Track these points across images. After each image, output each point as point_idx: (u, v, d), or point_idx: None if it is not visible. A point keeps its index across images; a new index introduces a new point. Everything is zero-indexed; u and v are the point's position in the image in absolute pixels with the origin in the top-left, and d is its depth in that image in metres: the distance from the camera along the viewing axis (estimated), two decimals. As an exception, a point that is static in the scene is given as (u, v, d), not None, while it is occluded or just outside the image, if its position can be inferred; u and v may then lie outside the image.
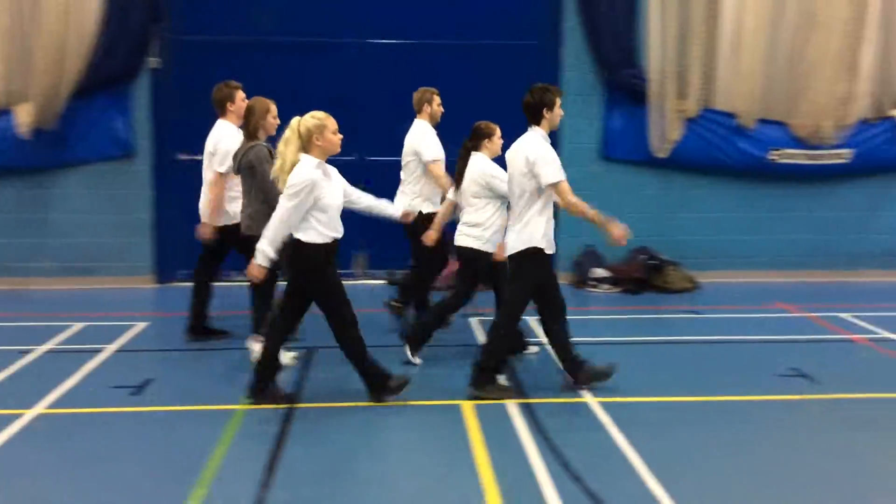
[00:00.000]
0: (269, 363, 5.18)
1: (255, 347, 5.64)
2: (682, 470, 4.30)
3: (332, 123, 4.94)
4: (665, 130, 8.80)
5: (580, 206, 5.22)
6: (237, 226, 5.99)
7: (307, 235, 4.90)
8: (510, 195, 5.43)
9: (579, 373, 5.46)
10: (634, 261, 8.88)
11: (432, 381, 5.65)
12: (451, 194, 6.25)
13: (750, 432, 4.89)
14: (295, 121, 4.92)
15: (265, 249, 4.93)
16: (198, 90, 8.75)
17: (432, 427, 4.95)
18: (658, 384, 5.68)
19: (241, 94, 6.26)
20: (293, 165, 4.86)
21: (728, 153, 8.93)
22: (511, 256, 5.33)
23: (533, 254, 5.22)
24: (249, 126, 5.79)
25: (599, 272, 8.85)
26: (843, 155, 8.88)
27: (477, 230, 5.92)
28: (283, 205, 4.85)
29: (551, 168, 5.12)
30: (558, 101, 5.29)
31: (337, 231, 4.99)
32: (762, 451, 4.58)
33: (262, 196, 5.64)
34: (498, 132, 6.06)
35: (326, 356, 6.15)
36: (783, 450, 4.60)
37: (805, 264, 9.32)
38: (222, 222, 6.24)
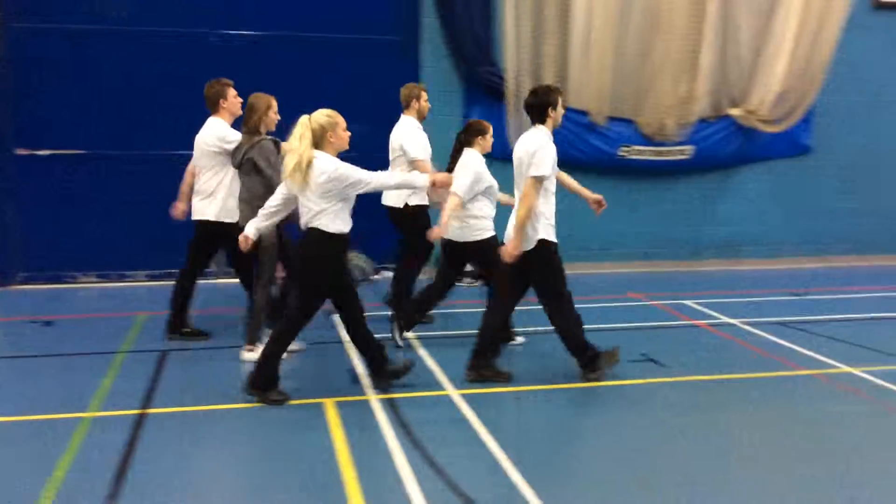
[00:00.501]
0: (274, 361, 5.15)
1: (248, 356, 5.79)
2: (540, 457, 4.44)
3: (342, 120, 5.03)
4: (522, 127, 9.01)
5: (525, 214, 5.31)
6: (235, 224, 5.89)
7: (335, 226, 5.00)
8: (515, 188, 5.58)
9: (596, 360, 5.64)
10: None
11: (295, 379, 5.56)
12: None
13: (606, 416, 5.12)
14: (306, 118, 4.97)
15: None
16: (37, 81, 8.27)
17: (293, 427, 4.87)
18: (521, 375, 5.82)
19: (233, 91, 6.27)
20: (310, 163, 4.88)
21: (582, 149, 9.28)
22: (524, 254, 5.41)
23: (542, 248, 5.41)
24: (251, 122, 5.84)
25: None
26: (686, 151, 9.42)
27: (479, 222, 6.13)
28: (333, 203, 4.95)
29: (538, 163, 5.31)
30: (560, 100, 5.53)
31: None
32: (621, 434, 4.80)
33: (267, 189, 5.57)
34: (490, 130, 6.28)
35: (180, 357, 5.94)
36: (640, 431, 4.84)
37: (653, 255, 9.84)
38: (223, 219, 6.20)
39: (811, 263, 10.08)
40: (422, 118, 6.82)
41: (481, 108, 9.13)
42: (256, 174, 5.76)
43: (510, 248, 5.41)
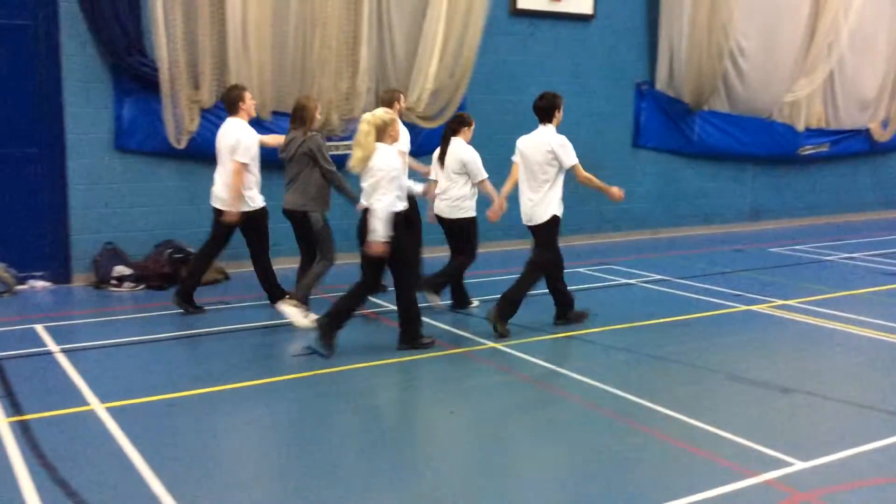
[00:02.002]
0: (415, 314, 6.28)
1: (290, 311, 6.85)
2: (187, 467, 4.27)
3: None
4: (181, 121, 8.65)
5: (592, 180, 6.79)
6: (253, 211, 7.22)
7: (396, 206, 5.98)
8: (529, 175, 6.75)
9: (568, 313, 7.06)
10: (160, 256, 8.60)
11: None
12: (433, 175, 7.48)
13: (267, 415, 5.07)
14: (369, 115, 6.08)
15: (382, 229, 5.87)
16: None
17: None
18: (172, 380, 5.57)
19: (249, 94, 7.36)
20: (371, 154, 5.95)
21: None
22: (538, 226, 6.77)
23: (555, 221, 6.75)
24: (305, 119, 6.95)
25: (121, 270, 8.40)
26: (351, 146, 9.60)
27: (465, 202, 7.31)
28: (388, 187, 5.91)
29: (571, 154, 6.66)
30: (562, 104, 6.83)
31: None
32: (279, 431, 4.76)
33: (320, 179, 6.90)
34: (473, 123, 7.61)
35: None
36: (302, 424, 4.84)
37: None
38: (243, 208, 7.17)
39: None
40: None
41: (134, 100, 8.58)
42: (309, 163, 6.86)
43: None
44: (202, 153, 8.78)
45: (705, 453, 4.47)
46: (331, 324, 6.14)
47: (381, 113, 6.12)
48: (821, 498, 3.94)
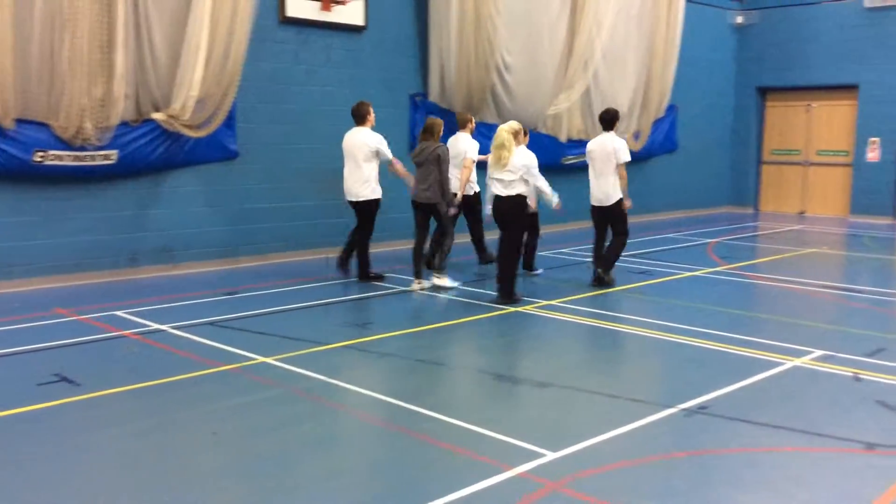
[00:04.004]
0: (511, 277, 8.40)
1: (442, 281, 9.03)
2: None
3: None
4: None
5: (625, 178, 9.33)
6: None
7: (526, 191, 8.38)
8: (593, 168, 9.33)
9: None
10: None
11: None
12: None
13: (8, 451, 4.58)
14: (504, 128, 8.30)
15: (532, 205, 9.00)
16: None
17: None
18: None
19: (371, 108, 9.30)
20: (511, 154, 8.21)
21: (-9, 155, 8.30)
22: (610, 205, 9.27)
23: (620, 201, 9.24)
24: (434, 134, 8.92)
25: None
26: (110, 156, 9.02)
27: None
28: (539, 175, 8.42)
29: (625, 154, 9.18)
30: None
31: None
32: (24, 467, 4.31)
33: (440, 177, 8.84)
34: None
35: None
36: (45, 461, 4.41)
37: (87, 266, 9.27)
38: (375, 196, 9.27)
39: (249, 262, 10.55)
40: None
41: None
42: (437, 166, 8.79)
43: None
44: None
45: (466, 452, 4.59)
46: (510, 281, 8.43)
47: (514, 123, 8.48)
48: (569, 485, 4.17)
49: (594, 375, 6.24)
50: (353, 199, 9.16)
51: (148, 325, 7.34)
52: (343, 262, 9.52)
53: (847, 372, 6.11)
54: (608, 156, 9.11)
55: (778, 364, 6.31)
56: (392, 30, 11.80)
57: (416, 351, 6.64)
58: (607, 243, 9.50)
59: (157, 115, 9.26)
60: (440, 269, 9.06)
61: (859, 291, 9.29)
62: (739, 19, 18.05)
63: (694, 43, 16.60)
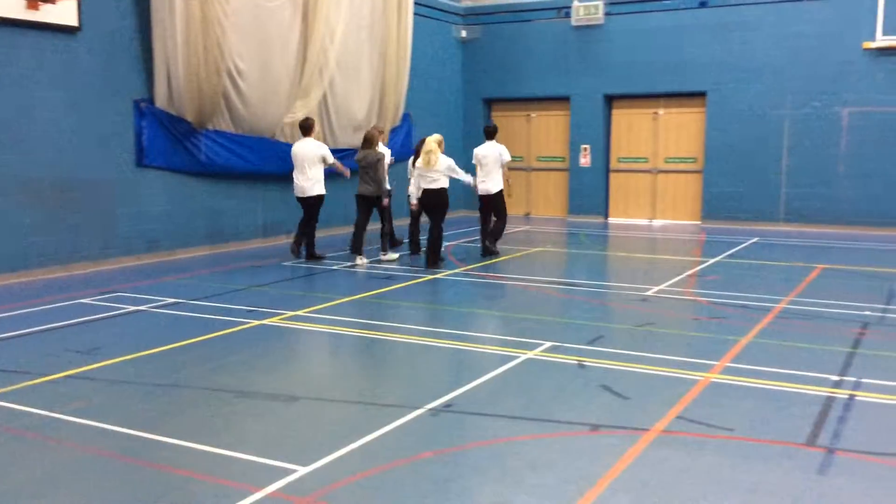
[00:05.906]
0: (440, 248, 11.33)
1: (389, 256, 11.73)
2: None
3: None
4: None
5: (508, 173, 12.66)
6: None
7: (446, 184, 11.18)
8: (483, 168, 12.04)
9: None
10: None
11: None
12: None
13: None
14: (431, 139, 11.10)
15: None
16: None
17: None
18: None
19: (314, 122, 12.04)
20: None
21: None
22: (494, 194, 12.01)
23: (501, 191, 12.05)
24: (373, 143, 11.50)
25: None
26: None
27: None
28: (458, 169, 11.33)
29: (508, 155, 12.19)
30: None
31: None
32: None
33: (377, 176, 11.40)
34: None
35: None
36: None
37: None
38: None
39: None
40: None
41: None
42: (375, 169, 11.29)
43: None
44: None
45: (209, 477, 4.35)
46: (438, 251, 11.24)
47: (437, 136, 11.19)
48: (321, 498, 4.10)
49: (343, 384, 6.21)
50: (302, 196, 11.48)
51: None
52: (296, 249, 11.71)
53: (573, 361, 6.64)
54: (496, 158, 11.89)
55: (513, 358, 6.70)
56: (109, 31, 10.95)
57: (152, 375, 6.21)
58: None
59: None
60: (385, 250, 11.87)
61: (578, 285, 10.16)
62: (464, 34, 19.06)
63: (424, 55, 17.25)
